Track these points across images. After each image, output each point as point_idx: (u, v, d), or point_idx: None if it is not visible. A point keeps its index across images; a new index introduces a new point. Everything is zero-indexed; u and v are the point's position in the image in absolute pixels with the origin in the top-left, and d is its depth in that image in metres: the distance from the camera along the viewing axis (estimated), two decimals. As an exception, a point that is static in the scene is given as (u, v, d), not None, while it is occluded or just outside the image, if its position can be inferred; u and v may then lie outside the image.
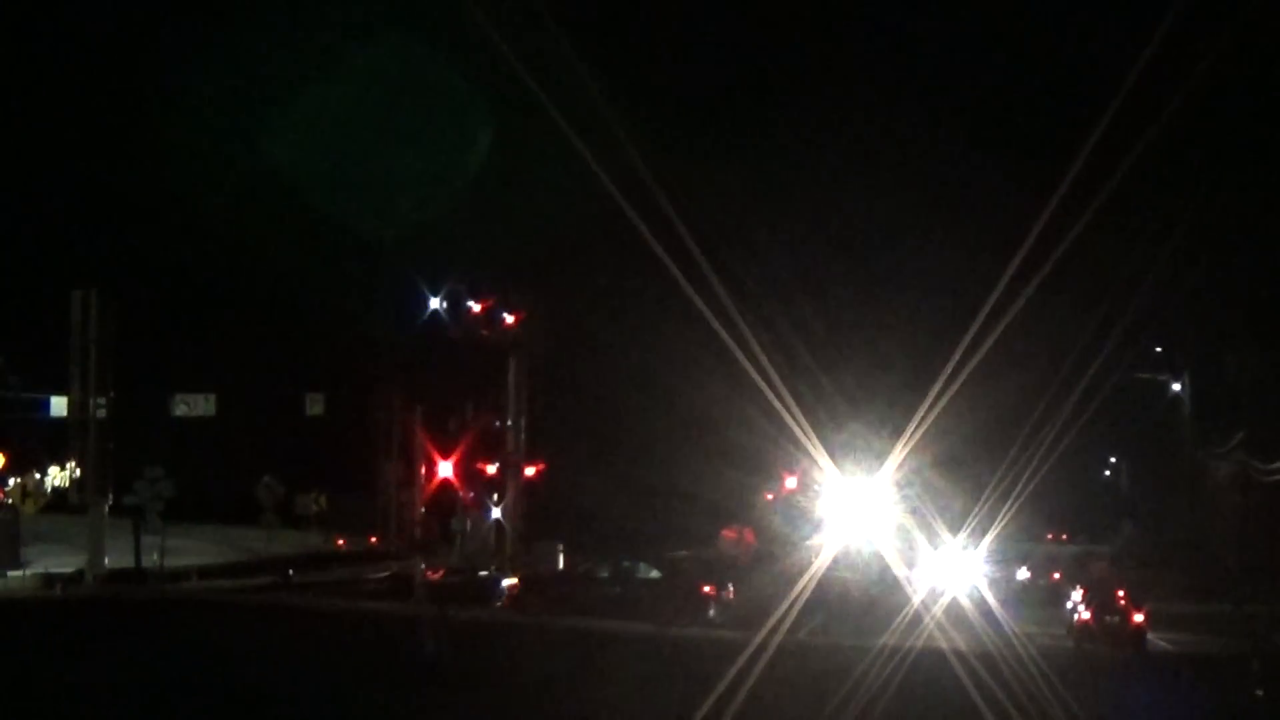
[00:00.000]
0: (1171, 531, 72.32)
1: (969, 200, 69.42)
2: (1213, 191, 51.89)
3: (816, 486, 51.59)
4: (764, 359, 38.39)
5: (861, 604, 45.75)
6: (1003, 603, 47.80)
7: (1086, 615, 44.27)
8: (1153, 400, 71.39)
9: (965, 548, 51.32)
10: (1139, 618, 43.34)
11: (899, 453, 42.92)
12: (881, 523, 48.31)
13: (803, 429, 41.24)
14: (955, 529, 50.42)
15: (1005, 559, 62.52)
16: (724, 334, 37.23)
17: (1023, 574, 64.47)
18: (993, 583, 54.95)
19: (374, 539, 71.27)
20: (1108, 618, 43.53)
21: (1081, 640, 43.29)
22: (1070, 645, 43.14)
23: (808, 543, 49.85)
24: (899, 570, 46.03)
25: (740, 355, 37.58)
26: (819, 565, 42.20)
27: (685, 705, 23.33)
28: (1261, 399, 63.25)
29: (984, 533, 50.87)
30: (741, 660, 26.86)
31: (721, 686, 24.66)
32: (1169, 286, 54.49)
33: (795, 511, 54.50)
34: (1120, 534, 75.92)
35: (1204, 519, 69.62)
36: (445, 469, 66.19)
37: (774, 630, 34.46)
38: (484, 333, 66.10)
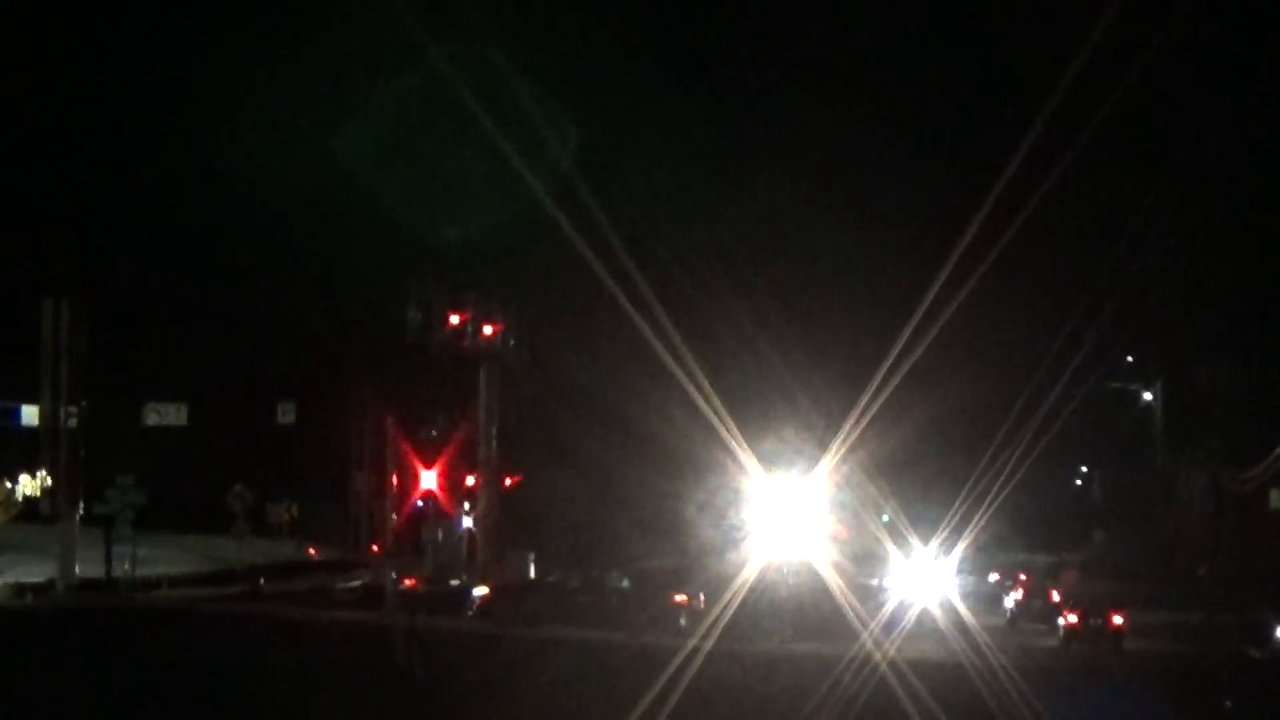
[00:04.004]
0: (1142, 541, 72.46)
1: (918, 200, 68.84)
2: (1186, 200, 52.09)
3: (743, 494, 51.49)
4: (703, 378, 39.14)
5: (795, 609, 45.84)
6: (973, 610, 48.14)
7: (1074, 620, 46.34)
8: (1124, 410, 71.58)
9: (936, 557, 51.42)
10: (1118, 620, 45.66)
11: (836, 456, 43.46)
12: (816, 530, 48.67)
13: (735, 438, 41.77)
14: (926, 538, 50.51)
15: (977, 568, 62.59)
16: (669, 360, 37.79)
17: (993, 578, 64.66)
18: (966, 594, 55.02)
19: (375, 548, 70.28)
20: (1091, 621, 45.93)
21: (1068, 642, 45.74)
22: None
23: (734, 552, 49.75)
24: (837, 580, 45.71)
25: (683, 376, 38.22)
26: (748, 575, 42.30)
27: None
28: (1233, 409, 63.48)
29: (954, 542, 50.99)
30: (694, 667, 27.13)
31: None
32: (1141, 296, 54.74)
33: (727, 520, 54.28)
34: (1091, 543, 76.06)
35: (1175, 528, 69.78)
36: (427, 479, 65.82)
37: (745, 641, 34.57)
38: (463, 344, 65.67)
